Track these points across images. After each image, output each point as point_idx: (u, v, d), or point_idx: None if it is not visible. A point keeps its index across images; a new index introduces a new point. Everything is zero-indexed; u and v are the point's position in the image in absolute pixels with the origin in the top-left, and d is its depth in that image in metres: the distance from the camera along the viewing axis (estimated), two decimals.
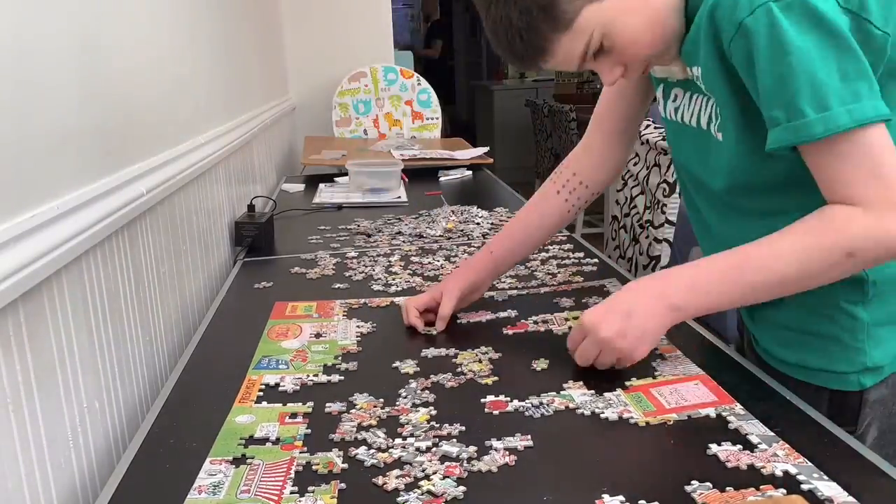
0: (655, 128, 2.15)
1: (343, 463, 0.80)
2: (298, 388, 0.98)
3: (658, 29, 0.94)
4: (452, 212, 1.96)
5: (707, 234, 1.08)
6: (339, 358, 1.07)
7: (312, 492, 0.75)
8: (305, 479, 0.77)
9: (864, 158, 0.83)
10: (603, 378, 0.96)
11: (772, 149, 0.86)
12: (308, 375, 1.01)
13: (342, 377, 1.01)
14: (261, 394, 0.96)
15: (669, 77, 1.05)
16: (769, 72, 0.83)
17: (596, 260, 1.50)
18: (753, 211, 0.97)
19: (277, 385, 0.98)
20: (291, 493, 0.75)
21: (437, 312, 1.17)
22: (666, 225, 1.98)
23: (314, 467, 0.79)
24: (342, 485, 0.76)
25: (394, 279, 1.42)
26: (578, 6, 0.90)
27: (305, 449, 0.83)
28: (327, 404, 0.93)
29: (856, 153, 0.83)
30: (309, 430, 0.87)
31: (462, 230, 1.78)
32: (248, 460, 0.81)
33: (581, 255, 1.53)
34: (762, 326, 1.04)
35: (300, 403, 0.93)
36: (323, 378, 1.00)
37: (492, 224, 1.83)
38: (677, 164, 1.13)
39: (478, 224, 1.84)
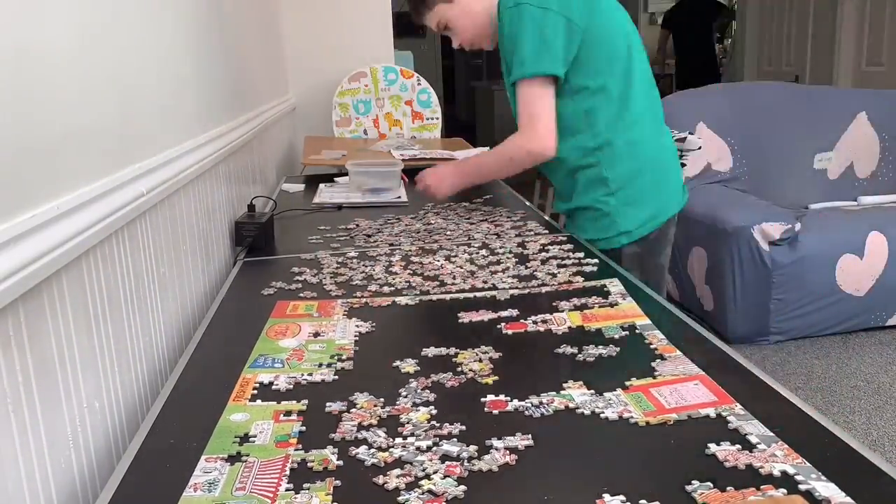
0: None
1: (338, 460, 0.80)
2: (292, 386, 0.98)
3: (475, 30, 1.76)
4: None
5: None
6: (336, 357, 1.07)
7: (308, 489, 0.75)
8: (300, 477, 0.77)
9: (521, 104, 1.62)
10: (603, 378, 0.96)
11: (510, 83, 1.65)
12: (303, 374, 1.01)
13: (336, 376, 1.01)
14: (255, 392, 0.96)
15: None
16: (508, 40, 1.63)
17: (596, 260, 1.50)
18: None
19: (271, 383, 0.99)
20: (287, 490, 0.75)
21: None
22: None
23: (309, 464, 0.79)
24: (337, 482, 0.76)
25: (394, 279, 1.42)
26: (435, 2, 1.74)
27: (300, 446, 0.83)
28: (327, 404, 0.93)
29: (519, 99, 1.63)
30: (303, 428, 0.87)
31: (461, 226, 1.78)
32: (244, 458, 0.81)
33: (581, 255, 1.53)
34: (570, 224, 1.75)
35: (294, 401, 0.93)
36: (318, 377, 1.00)
37: (491, 224, 1.83)
38: None
39: (473, 225, 1.84)
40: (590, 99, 1.61)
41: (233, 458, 0.81)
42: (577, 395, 0.92)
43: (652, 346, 1.06)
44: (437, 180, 1.86)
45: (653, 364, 1.00)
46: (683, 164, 1.95)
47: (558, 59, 1.57)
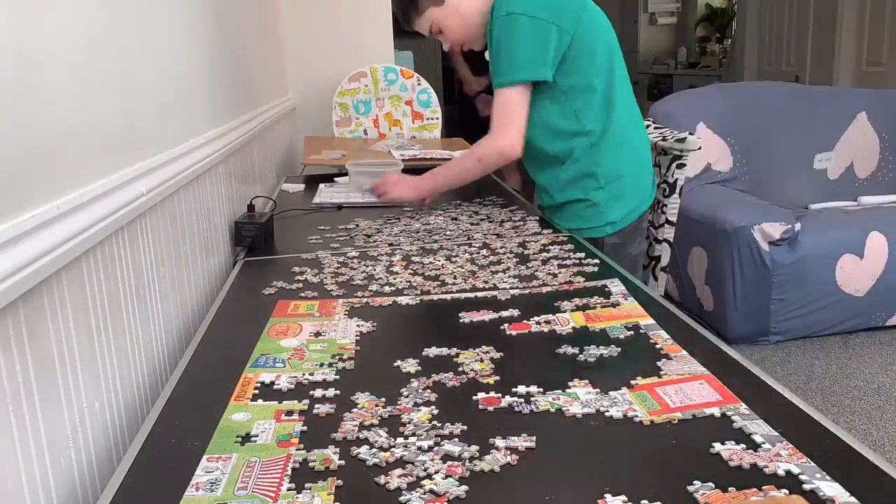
0: (655, 128, 2.15)
1: (340, 459, 0.80)
2: (293, 386, 0.98)
3: (466, 30, 1.83)
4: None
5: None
6: (337, 357, 1.06)
7: (309, 488, 0.75)
8: (302, 476, 0.77)
9: (500, 106, 1.73)
10: (608, 377, 0.96)
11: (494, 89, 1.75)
12: (304, 374, 1.01)
13: (338, 376, 1.00)
14: (256, 391, 0.96)
15: None
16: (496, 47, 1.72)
17: (597, 260, 1.49)
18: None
19: (273, 383, 0.98)
20: (288, 489, 0.75)
21: None
22: (666, 225, 1.98)
23: (311, 464, 0.79)
24: (339, 481, 0.76)
25: (395, 278, 1.42)
26: (427, 6, 1.80)
27: (302, 446, 0.83)
28: (328, 404, 0.92)
29: (498, 101, 1.73)
30: (305, 428, 0.87)
31: (461, 228, 1.78)
32: (245, 457, 0.81)
33: (582, 255, 1.52)
34: (556, 215, 1.83)
35: (296, 401, 0.93)
36: (319, 377, 1.00)
37: (490, 224, 1.83)
38: None
39: (474, 225, 1.84)
40: (579, 99, 1.71)
41: (234, 458, 0.80)
42: (581, 393, 0.92)
43: (657, 346, 1.05)
44: (394, 183, 1.97)
45: (658, 363, 1.00)
46: (683, 165, 1.95)
47: (547, 64, 1.67)
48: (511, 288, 1.33)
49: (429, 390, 0.95)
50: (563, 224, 1.79)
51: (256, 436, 0.85)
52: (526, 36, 1.66)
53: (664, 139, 1.99)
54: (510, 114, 1.71)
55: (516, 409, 0.89)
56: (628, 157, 1.78)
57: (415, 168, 2.13)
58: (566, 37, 1.66)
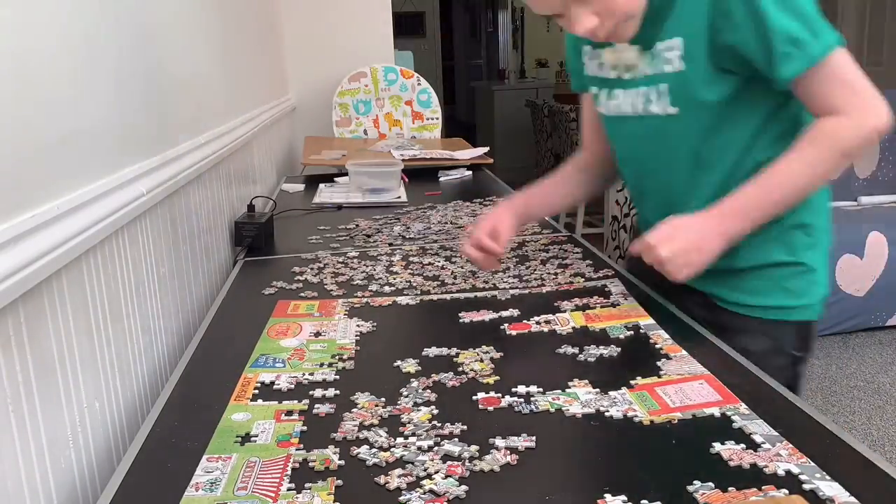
0: None
1: (339, 460, 0.80)
2: (293, 386, 0.98)
3: (635, 4, 1.09)
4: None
5: (657, 209, 1.21)
6: (337, 357, 1.06)
7: (309, 488, 0.75)
8: (302, 476, 0.77)
9: (841, 77, 1.05)
10: (608, 377, 0.96)
11: (790, 77, 1.04)
12: (304, 374, 1.01)
13: (338, 376, 1.00)
14: (256, 391, 0.96)
15: (618, 64, 1.19)
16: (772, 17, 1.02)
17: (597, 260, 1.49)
18: (714, 163, 1.14)
19: (272, 383, 0.98)
20: (288, 489, 0.75)
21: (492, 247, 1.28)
22: None
23: (311, 464, 0.79)
24: (339, 481, 0.76)
25: (395, 279, 1.42)
26: None
27: (302, 446, 0.83)
28: (328, 404, 0.93)
29: (835, 74, 1.04)
30: (305, 428, 0.87)
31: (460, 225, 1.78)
32: (245, 457, 0.81)
33: (581, 255, 1.52)
34: (721, 282, 1.19)
35: (296, 401, 0.93)
36: (319, 377, 1.00)
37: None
38: (621, 157, 1.29)
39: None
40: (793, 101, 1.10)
41: (234, 458, 0.80)
42: (581, 393, 0.92)
43: (657, 346, 1.05)
44: (668, 237, 1.06)
45: (658, 363, 1.00)
46: None
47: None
48: (511, 288, 1.33)
49: (429, 390, 0.95)
50: (741, 300, 1.19)
51: (256, 436, 0.85)
52: None
53: None
54: (856, 84, 1.05)
55: (516, 408, 0.90)
56: (825, 197, 1.23)
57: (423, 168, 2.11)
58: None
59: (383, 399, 0.93)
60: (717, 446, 0.79)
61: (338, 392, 0.96)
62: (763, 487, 0.71)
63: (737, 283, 1.18)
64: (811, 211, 1.17)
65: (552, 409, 0.89)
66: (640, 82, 1.16)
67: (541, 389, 0.94)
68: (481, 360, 1.03)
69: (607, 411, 0.88)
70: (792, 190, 1.07)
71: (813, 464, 0.75)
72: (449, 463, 0.78)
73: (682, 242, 1.04)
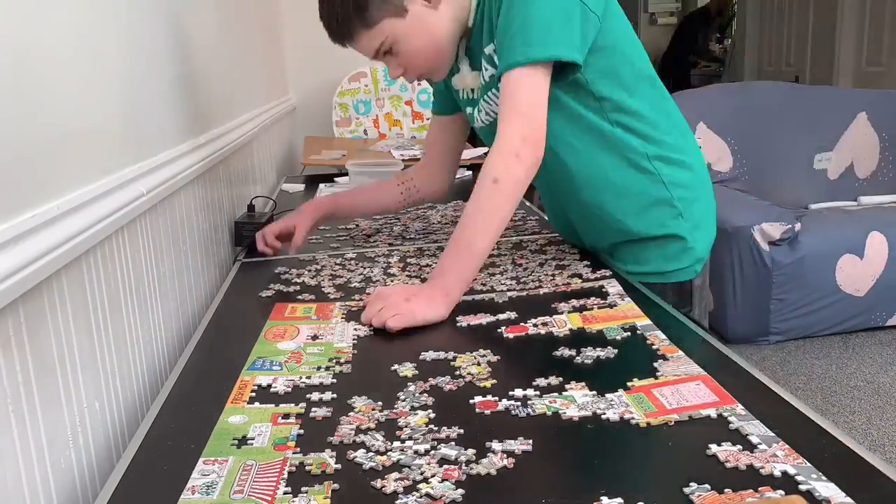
0: None
1: (336, 463, 0.80)
2: (290, 389, 0.98)
3: (434, 54, 1.32)
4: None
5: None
6: (334, 360, 1.07)
7: (306, 492, 0.75)
8: (299, 480, 0.77)
9: (511, 93, 1.19)
10: (605, 379, 0.96)
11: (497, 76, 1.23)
12: (301, 377, 1.01)
13: (335, 380, 1.01)
14: (253, 394, 0.96)
15: (465, 89, 1.41)
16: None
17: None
18: (554, 147, 1.30)
19: (269, 386, 0.99)
20: (285, 493, 0.75)
21: (292, 240, 1.57)
22: None
23: (307, 468, 0.79)
24: (335, 485, 0.76)
25: (392, 281, 1.42)
26: (383, 15, 1.24)
27: (298, 450, 0.83)
28: (325, 407, 0.93)
29: (506, 88, 1.20)
30: (301, 431, 0.87)
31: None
32: (241, 461, 0.81)
33: (578, 255, 1.53)
34: (623, 256, 1.41)
35: (293, 404, 0.93)
36: (316, 380, 1.00)
37: None
38: None
39: None
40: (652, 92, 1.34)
41: (230, 461, 0.81)
42: (578, 395, 0.92)
43: (654, 347, 1.06)
44: (394, 304, 1.17)
45: (654, 364, 1.00)
46: None
47: (574, 45, 1.20)
48: (508, 290, 1.33)
49: (426, 394, 0.95)
50: (628, 268, 1.41)
51: (253, 439, 0.85)
52: (549, 5, 1.20)
53: None
54: (534, 98, 1.23)
55: (513, 412, 0.90)
56: (696, 171, 1.42)
57: None
58: (594, 20, 1.22)
59: (380, 403, 0.93)
60: (713, 447, 0.79)
61: (335, 395, 0.96)
62: (760, 488, 0.72)
63: (626, 255, 1.41)
64: (670, 186, 1.33)
65: (549, 413, 0.89)
66: (480, 96, 1.38)
67: (537, 392, 0.94)
68: (478, 364, 1.03)
69: (604, 414, 0.88)
70: (472, 236, 1.22)
71: (809, 464, 0.75)
72: (446, 466, 0.78)
73: (393, 298, 1.17)
